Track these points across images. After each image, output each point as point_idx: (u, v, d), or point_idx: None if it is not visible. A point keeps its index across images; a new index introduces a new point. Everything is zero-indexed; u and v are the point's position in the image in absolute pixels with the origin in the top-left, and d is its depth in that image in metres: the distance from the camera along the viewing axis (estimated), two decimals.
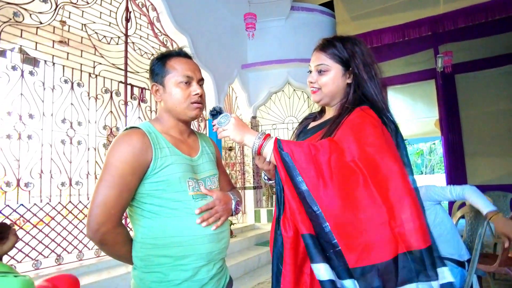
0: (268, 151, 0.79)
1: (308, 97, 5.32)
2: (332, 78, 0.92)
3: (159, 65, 0.92)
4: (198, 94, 0.91)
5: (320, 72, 0.93)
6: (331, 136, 0.83)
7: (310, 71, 0.96)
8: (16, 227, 2.23)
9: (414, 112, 7.44)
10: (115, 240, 0.82)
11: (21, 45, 2.93)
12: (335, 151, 0.75)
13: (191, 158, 0.92)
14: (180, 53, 0.95)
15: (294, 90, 5.31)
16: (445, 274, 0.72)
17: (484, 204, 1.58)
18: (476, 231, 1.71)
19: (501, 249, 1.80)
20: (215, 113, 0.86)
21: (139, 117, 3.18)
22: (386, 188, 0.73)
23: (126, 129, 0.87)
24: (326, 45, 0.94)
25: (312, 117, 1.06)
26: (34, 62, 2.56)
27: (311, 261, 0.72)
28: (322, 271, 0.71)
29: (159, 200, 0.83)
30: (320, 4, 5.40)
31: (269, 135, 0.82)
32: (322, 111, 1.05)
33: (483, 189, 5.37)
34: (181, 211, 0.84)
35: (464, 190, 1.63)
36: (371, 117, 0.82)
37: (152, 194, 0.83)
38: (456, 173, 6.02)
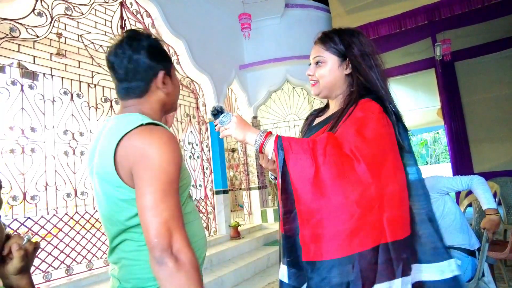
0: (270, 149, 0.79)
1: (308, 93, 5.30)
2: (329, 69, 0.93)
3: (166, 52, 0.81)
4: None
5: (317, 64, 0.94)
6: (335, 129, 0.83)
7: (310, 64, 0.97)
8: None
9: (415, 102, 7.40)
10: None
11: (19, 60, 2.95)
12: (332, 142, 0.76)
13: None
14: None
15: (294, 87, 5.29)
16: (452, 266, 0.74)
17: (486, 201, 1.59)
18: None
19: (511, 236, 1.78)
20: (216, 112, 0.85)
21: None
22: (379, 170, 0.74)
23: (144, 124, 0.69)
24: (323, 38, 0.95)
25: (316, 113, 1.06)
26: (33, 76, 2.58)
27: (280, 260, 0.78)
28: (283, 272, 0.77)
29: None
30: (315, 0, 5.38)
31: (270, 132, 0.82)
32: (326, 106, 1.05)
33: (490, 175, 5.33)
34: (194, 214, 0.81)
35: (472, 181, 1.63)
36: (373, 107, 0.83)
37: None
38: (462, 161, 5.98)
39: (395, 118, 0.85)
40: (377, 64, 0.91)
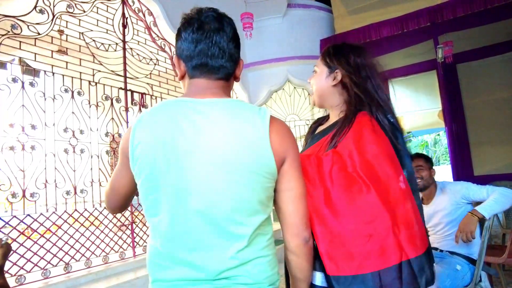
0: None
1: (309, 94, 5.29)
2: (317, 79, 0.98)
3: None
4: None
5: (313, 73, 1.00)
6: (335, 145, 0.86)
7: None
8: (23, 237, 2.26)
9: (417, 104, 7.38)
10: None
11: (20, 57, 2.96)
12: (337, 163, 0.79)
13: None
14: None
15: (295, 87, 5.29)
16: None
17: (485, 205, 1.58)
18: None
19: (509, 240, 1.78)
20: None
21: None
22: (387, 194, 0.77)
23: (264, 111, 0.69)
24: (323, 51, 1.00)
25: (320, 121, 1.10)
26: (34, 72, 2.58)
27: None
28: (317, 277, 0.78)
29: None
30: (317, 0, 5.37)
31: None
32: (328, 115, 1.08)
33: (490, 178, 5.30)
34: None
35: (497, 189, 1.61)
36: (368, 121, 0.86)
37: None
38: (462, 163, 5.96)
39: (394, 127, 0.87)
40: (374, 75, 0.92)
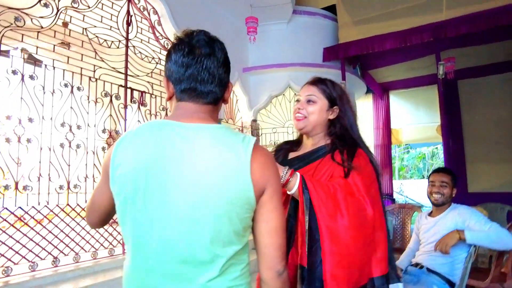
0: (293, 186, 0.92)
1: None
2: (318, 109, 1.05)
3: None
4: None
5: (309, 102, 1.06)
6: (324, 168, 1.00)
7: (298, 100, 1.07)
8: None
9: (416, 117, 7.42)
10: None
11: (23, 48, 2.97)
12: (349, 191, 0.93)
13: None
14: None
15: (295, 94, 5.30)
16: None
17: (474, 231, 1.62)
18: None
19: (493, 264, 1.79)
20: None
21: (139, 121, 3.20)
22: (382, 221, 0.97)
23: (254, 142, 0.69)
24: (318, 81, 1.09)
25: (289, 146, 1.13)
26: (35, 64, 2.59)
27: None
28: None
29: None
30: (323, 8, 5.39)
31: (293, 171, 0.94)
32: (299, 142, 1.11)
33: (484, 196, 5.32)
34: None
35: (498, 229, 1.62)
36: (368, 160, 1.03)
37: None
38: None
39: (376, 167, 1.04)
40: (355, 115, 1.08)
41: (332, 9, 5.32)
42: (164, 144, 0.65)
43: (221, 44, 0.73)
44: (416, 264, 1.89)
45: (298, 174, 0.93)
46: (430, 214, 1.97)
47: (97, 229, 0.79)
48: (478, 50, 5.36)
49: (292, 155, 1.10)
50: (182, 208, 0.63)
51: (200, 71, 0.68)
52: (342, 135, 1.04)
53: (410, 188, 13.26)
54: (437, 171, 1.94)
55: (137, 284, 0.67)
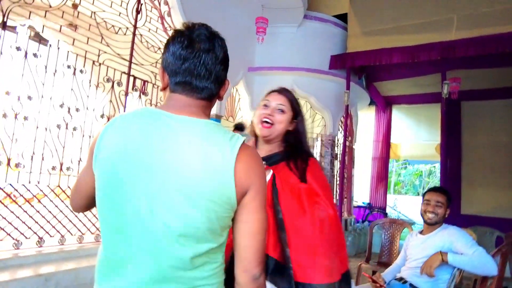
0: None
1: (310, 107, 5.31)
2: (286, 119, 1.11)
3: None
4: None
5: (279, 110, 1.11)
6: (297, 179, 1.08)
7: (266, 105, 1.12)
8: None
9: (416, 134, 7.42)
10: None
11: (30, 25, 2.96)
12: (311, 193, 1.03)
13: None
14: None
15: (298, 98, 5.29)
16: None
17: (457, 254, 1.63)
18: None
19: (478, 286, 1.79)
20: (241, 128, 1.00)
21: None
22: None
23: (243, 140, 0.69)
24: (287, 91, 1.16)
25: None
26: (39, 42, 2.58)
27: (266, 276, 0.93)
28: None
29: None
30: (334, 16, 5.39)
31: (268, 167, 1.04)
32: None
33: (476, 219, 5.30)
34: None
35: (482, 254, 1.62)
36: (320, 168, 1.16)
37: None
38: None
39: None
40: (306, 136, 1.21)
41: (343, 17, 5.32)
42: (150, 132, 0.64)
43: (221, 40, 0.72)
44: (400, 279, 1.89)
45: (271, 171, 1.01)
46: (421, 232, 1.98)
47: (83, 213, 0.77)
48: (484, 73, 5.36)
49: None
50: (160, 198, 0.62)
51: (197, 65, 0.67)
52: (295, 145, 1.13)
53: (404, 204, 13.25)
54: (433, 190, 1.93)
55: (107, 270, 0.66)
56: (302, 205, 0.99)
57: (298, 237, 0.96)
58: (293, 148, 1.14)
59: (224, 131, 0.68)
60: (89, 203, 0.78)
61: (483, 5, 4.13)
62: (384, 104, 7.29)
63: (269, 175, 1.00)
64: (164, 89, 0.74)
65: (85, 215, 2.76)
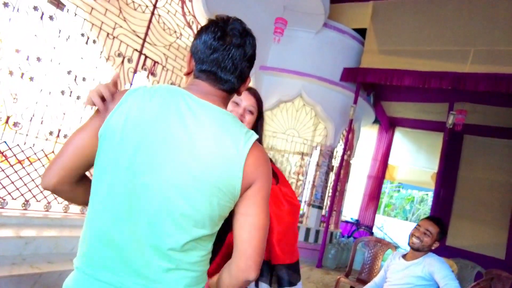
0: None
1: (315, 115, 5.31)
2: (253, 120, 1.17)
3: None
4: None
5: (249, 111, 1.15)
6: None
7: (237, 103, 1.15)
8: None
9: (415, 159, 7.44)
10: None
11: None
12: (281, 188, 1.19)
13: None
14: None
15: (304, 104, 5.30)
16: None
17: None
18: None
19: None
20: None
21: None
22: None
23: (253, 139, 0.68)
24: (257, 94, 1.20)
25: None
26: (58, 4, 2.56)
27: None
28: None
29: None
30: (353, 29, 5.38)
31: None
32: None
33: (459, 252, 5.32)
34: None
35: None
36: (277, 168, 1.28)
37: None
38: None
39: None
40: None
41: (361, 32, 5.32)
42: (169, 107, 0.64)
43: (253, 38, 0.73)
44: None
45: None
46: (404, 256, 1.97)
47: (51, 189, 0.63)
48: (491, 110, 5.37)
49: None
50: (169, 174, 0.62)
51: (226, 58, 0.68)
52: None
53: (391, 227, 13.28)
54: (429, 218, 1.93)
55: (98, 239, 0.64)
56: (279, 198, 1.15)
57: (279, 224, 1.10)
58: None
59: (241, 124, 0.69)
60: (68, 177, 0.69)
61: (502, 43, 4.14)
62: (387, 124, 7.30)
63: None
64: (188, 74, 0.75)
65: None
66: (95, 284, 0.63)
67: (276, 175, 1.20)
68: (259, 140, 1.17)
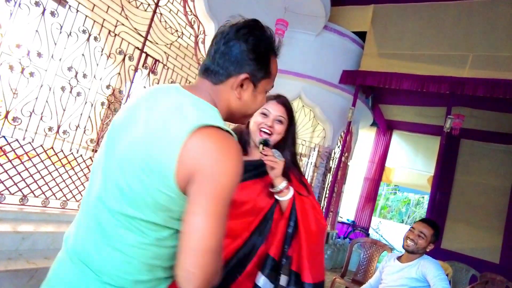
0: (286, 196, 1.09)
1: (314, 116, 5.33)
2: (283, 129, 1.14)
3: (264, 60, 0.72)
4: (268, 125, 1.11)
5: (278, 122, 1.14)
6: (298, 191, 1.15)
7: (265, 114, 1.14)
8: None
9: (412, 162, 7.48)
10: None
11: None
12: (313, 206, 1.14)
13: None
14: (277, 53, 0.80)
15: (303, 106, 5.31)
16: None
17: None
18: None
19: None
20: (265, 143, 1.08)
21: (144, 87, 3.18)
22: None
23: (219, 127, 0.61)
24: (286, 103, 1.17)
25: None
26: (60, 0, 2.56)
27: (261, 271, 1.03)
28: (261, 281, 1.02)
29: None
30: (353, 32, 5.41)
31: (289, 186, 1.11)
32: (242, 143, 1.22)
33: (454, 255, 5.34)
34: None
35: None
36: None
37: None
38: None
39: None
40: (295, 144, 1.22)
41: (361, 35, 5.35)
42: (151, 99, 0.69)
43: (249, 37, 0.69)
44: None
45: (291, 189, 1.10)
46: (399, 258, 1.99)
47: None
48: (488, 115, 5.42)
49: (244, 157, 1.21)
50: (120, 148, 0.67)
51: (211, 50, 0.71)
52: (291, 155, 1.18)
53: (387, 229, 13.34)
54: (423, 220, 1.95)
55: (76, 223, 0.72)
56: (314, 216, 1.11)
57: (309, 243, 1.07)
58: (289, 159, 1.18)
59: (205, 109, 0.64)
60: None
61: (500, 49, 4.18)
62: (385, 127, 7.34)
63: (290, 194, 1.08)
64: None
65: (73, 182, 2.74)
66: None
67: (306, 186, 1.17)
68: (292, 150, 1.18)
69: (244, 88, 0.71)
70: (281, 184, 1.07)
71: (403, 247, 1.92)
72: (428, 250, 1.87)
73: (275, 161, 1.05)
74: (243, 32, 0.69)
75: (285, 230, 1.06)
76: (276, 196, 1.09)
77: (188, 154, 0.57)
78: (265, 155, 1.05)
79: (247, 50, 0.69)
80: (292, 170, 1.17)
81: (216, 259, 0.56)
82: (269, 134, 1.12)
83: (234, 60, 0.68)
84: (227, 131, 0.62)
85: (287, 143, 1.18)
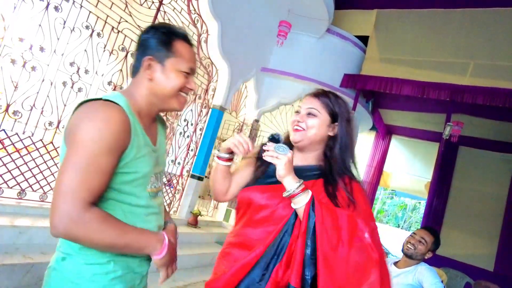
0: (300, 203, 0.85)
1: None
2: (319, 123, 0.96)
3: (163, 42, 0.81)
4: (192, 90, 0.87)
5: (309, 114, 0.97)
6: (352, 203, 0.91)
7: (298, 112, 1.00)
8: None
9: (410, 168, 7.51)
10: (89, 229, 0.68)
11: None
12: (352, 224, 0.84)
13: (155, 149, 0.85)
14: (187, 38, 0.85)
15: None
16: None
17: None
18: None
19: None
20: (273, 139, 0.90)
21: None
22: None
23: (100, 99, 0.72)
24: (321, 94, 1.00)
25: None
26: None
27: None
28: None
29: (117, 194, 0.76)
30: (356, 36, 5.43)
31: (306, 188, 0.87)
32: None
33: (448, 261, 5.34)
34: (138, 208, 0.80)
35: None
36: (365, 195, 0.96)
37: (113, 186, 0.74)
38: None
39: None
40: (353, 144, 1.00)
41: (363, 39, 5.36)
42: None
43: (152, 29, 0.84)
44: None
45: (309, 192, 0.86)
46: (396, 263, 1.99)
47: None
48: (487, 124, 5.45)
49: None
50: None
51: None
52: (336, 159, 0.96)
53: (383, 233, 13.37)
54: (424, 227, 1.97)
55: None
56: (340, 237, 0.81)
57: (328, 273, 0.79)
58: (333, 163, 0.96)
59: (108, 94, 0.76)
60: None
61: (501, 58, 4.21)
62: (384, 132, 7.36)
63: (308, 196, 0.85)
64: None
65: None
66: None
67: (351, 197, 0.90)
68: (343, 152, 0.96)
69: (153, 70, 0.81)
70: (291, 185, 0.84)
71: (402, 251, 1.93)
72: (426, 257, 1.88)
73: (275, 157, 0.84)
74: (150, 31, 0.84)
75: (303, 250, 0.82)
76: (292, 206, 0.86)
77: (70, 122, 0.72)
78: (267, 152, 0.87)
79: (149, 38, 0.82)
80: (343, 179, 0.94)
81: (69, 202, 0.66)
82: (302, 129, 0.96)
83: (141, 50, 0.83)
84: (108, 100, 0.73)
85: (336, 142, 0.96)
